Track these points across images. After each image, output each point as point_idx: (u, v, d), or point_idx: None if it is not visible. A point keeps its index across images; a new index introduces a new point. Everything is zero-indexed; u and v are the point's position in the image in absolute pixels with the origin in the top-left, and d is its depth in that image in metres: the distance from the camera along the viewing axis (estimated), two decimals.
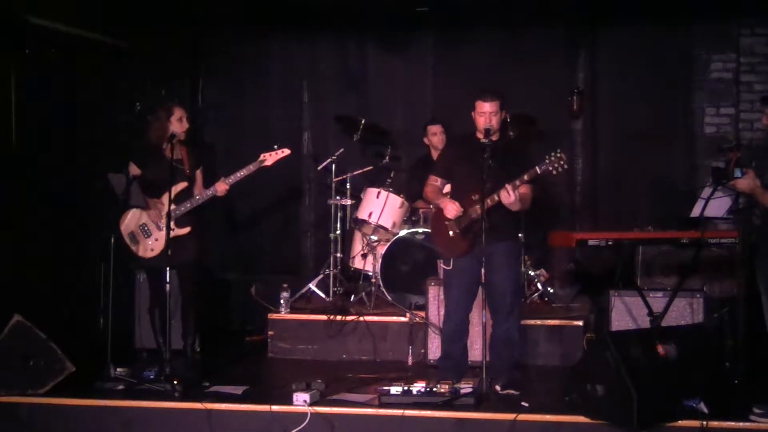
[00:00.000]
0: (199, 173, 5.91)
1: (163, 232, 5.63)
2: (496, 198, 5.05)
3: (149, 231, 5.74)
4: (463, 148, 5.37)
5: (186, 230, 5.72)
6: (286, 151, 5.80)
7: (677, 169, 7.64)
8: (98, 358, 5.46)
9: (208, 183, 5.84)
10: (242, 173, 5.70)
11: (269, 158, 5.74)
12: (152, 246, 5.73)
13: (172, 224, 5.56)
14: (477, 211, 5.12)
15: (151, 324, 5.95)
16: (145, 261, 5.79)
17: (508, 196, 5.01)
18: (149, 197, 5.75)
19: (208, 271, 7.01)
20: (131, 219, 5.77)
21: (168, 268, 5.41)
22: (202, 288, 6.11)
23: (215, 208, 6.85)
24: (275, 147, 5.77)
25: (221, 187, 5.71)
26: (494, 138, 5.20)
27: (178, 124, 5.73)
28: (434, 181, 5.44)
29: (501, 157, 5.13)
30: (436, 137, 7.18)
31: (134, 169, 5.80)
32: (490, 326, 5.23)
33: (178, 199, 5.66)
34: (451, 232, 5.27)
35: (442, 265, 5.43)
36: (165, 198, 5.62)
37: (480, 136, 5.21)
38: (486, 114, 5.15)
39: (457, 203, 5.21)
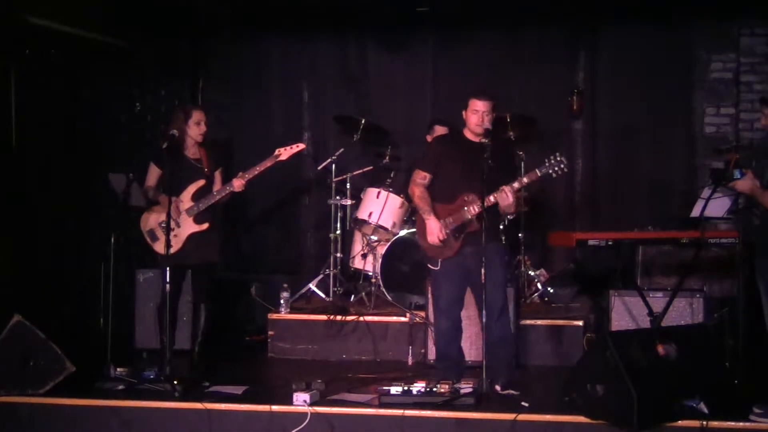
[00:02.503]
0: (218, 174, 5.90)
1: (182, 229, 5.66)
2: (492, 200, 5.06)
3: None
4: (453, 145, 5.37)
5: (205, 226, 5.73)
6: (301, 146, 5.85)
7: (677, 169, 7.63)
8: (98, 358, 5.46)
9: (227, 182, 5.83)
10: (258, 168, 5.70)
11: (284, 153, 5.75)
12: (171, 242, 5.70)
13: (191, 220, 5.69)
14: (470, 212, 5.12)
15: (159, 322, 5.91)
16: (164, 258, 5.77)
17: (507, 198, 5.03)
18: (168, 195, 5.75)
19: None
20: (152, 217, 5.78)
21: (168, 268, 5.40)
22: (215, 288, 6.08)
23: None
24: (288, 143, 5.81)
25: (238, 182, 5.70)
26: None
27: (195, 127, 5.75)
28: (422, 178, 5.34)
29: (492, 159, 5.11)
30: None
31: (154, 170, 5.80)
32: (483, 327, 5.22)
33: (197, 196, 5.72)
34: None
35: (429, 266, 5.37)
36: (183, 196, 5.68)
37: (469, 135, 5.25)
38: (479, 112, 5.16)
39: (439, 225, 5.16)
